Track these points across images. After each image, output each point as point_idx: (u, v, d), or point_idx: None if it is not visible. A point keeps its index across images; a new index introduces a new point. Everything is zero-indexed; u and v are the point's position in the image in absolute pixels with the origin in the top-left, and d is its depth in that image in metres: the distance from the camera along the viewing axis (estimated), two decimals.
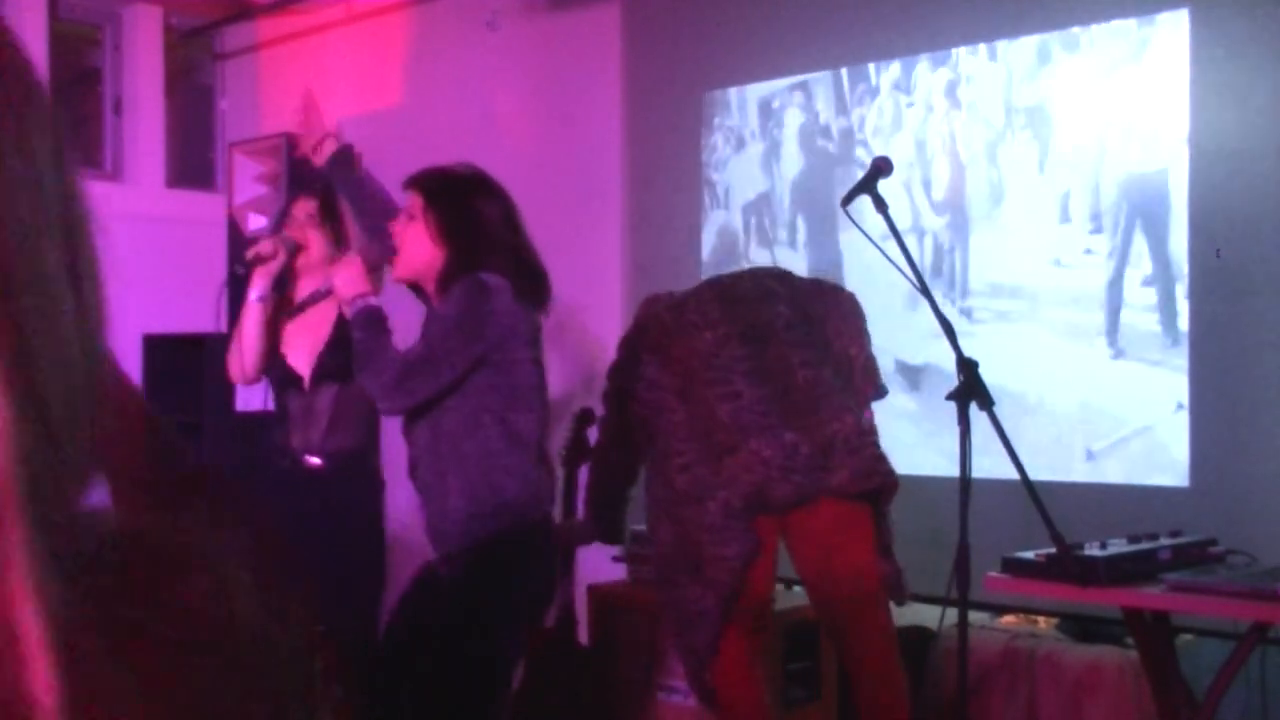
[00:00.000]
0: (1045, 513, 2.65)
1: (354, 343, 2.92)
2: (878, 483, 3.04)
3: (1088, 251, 3.71)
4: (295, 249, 3.51)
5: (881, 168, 2.98)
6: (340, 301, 3.06)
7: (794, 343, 3.11)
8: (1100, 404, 3.66)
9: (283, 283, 3.52)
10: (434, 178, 3.05)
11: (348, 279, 2.98)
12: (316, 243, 3.54)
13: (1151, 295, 3.59)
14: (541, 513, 2.97)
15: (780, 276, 3.37)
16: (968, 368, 2.75)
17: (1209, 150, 3.50)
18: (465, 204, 2.95)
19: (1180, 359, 3.52)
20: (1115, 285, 3.65)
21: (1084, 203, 3.74)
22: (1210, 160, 3.49)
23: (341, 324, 3.28)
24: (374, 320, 2.90)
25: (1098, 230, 3.70)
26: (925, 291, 2.89)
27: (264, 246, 3.48)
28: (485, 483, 2.85)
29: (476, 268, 2.87)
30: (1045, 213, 3.82)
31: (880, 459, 3.06)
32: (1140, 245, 3.62)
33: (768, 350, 3.09)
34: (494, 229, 2.94)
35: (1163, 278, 3.57)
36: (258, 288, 3.42)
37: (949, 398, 2.80)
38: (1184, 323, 3.53)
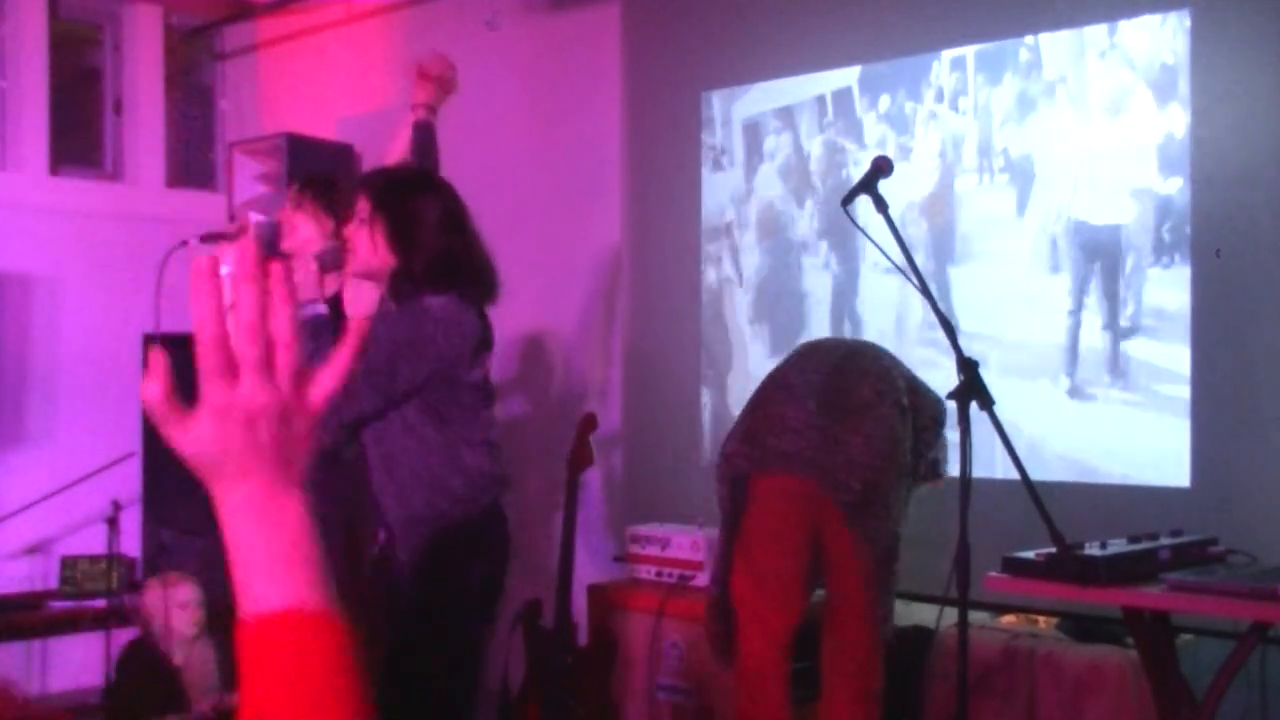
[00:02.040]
0: (1045, 513, 2.64)
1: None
2: None
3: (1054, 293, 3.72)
4: (271, 232, 3.47)
5: (881, 167, 2.98)
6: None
7: None
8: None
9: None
10: (379, 180, 3.11)
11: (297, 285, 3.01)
12: (303, 227, 3.48)
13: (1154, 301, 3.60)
14: (489, 499, 2.99)
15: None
16: (968, 368, 2.75)
17: (1209, 150, 3.50)
18: (406, 206, 2.99)
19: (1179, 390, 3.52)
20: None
21: (1048, 243, 3.74)
22: (1210, 160, 3.49)
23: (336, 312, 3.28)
24: (317, 332, 2.94)
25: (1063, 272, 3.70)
26: (925, 291, 2.89)
27: (232, 225, 3.48)
28: (434, 486, 2.90)
29: (420, 273, 2.92)
30: (1031, 248, 3.82)
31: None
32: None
33: None
34: (431, 230, 2.97)
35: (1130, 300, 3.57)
36: (224, 264, 3.41)
37: (949, 397, 2.80)
38: (1170, 316, 3.53)
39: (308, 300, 3.00)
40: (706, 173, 4.67)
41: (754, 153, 4.55)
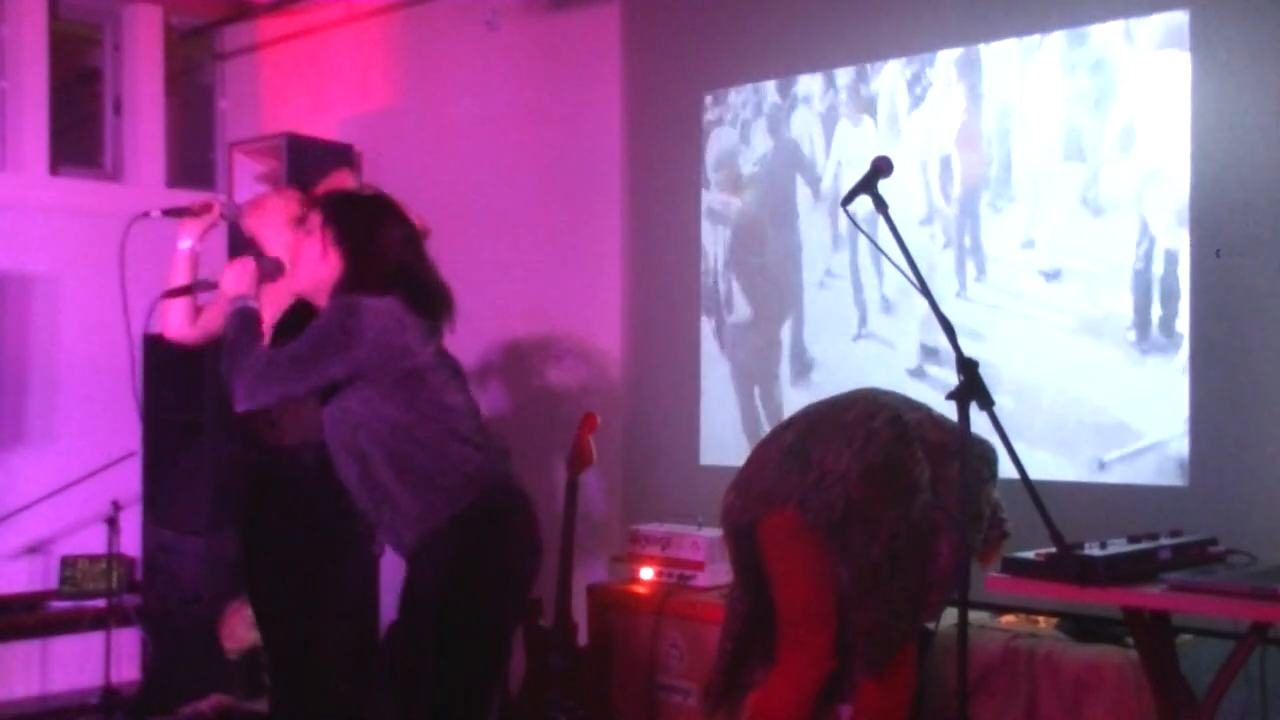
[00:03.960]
0: (1045, 513, 2.64)
1: (225, 340, 2.98)
2: None
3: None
4: (234, 212, 3.49)
5: (881, 168, 2.98)
6: (223, 298, 3.11)
7: None
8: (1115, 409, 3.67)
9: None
10: (339, 198, 3.13)
11: (234, 277, 3.05)
12: (271, 213, 3.45)
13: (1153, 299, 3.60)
14: (492, 481, 2.96)
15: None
16: (967, 368, 2.75)
17: (1209, 150, 3.50)
18: (367, 219, 2.99)
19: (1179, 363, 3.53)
20: (1142, 278, 3.66)
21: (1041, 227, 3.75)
22: (1210, 160, 3.49)
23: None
24: (248, 320, 2.98)
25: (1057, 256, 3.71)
26: (925, 291, 2.89)
27: (196, 202, 3.50)
28: (426, 487, 2.87)
29: (370, 279, 2.91)
30: (1030, 248, 3.82)
31: None
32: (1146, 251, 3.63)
33: None
34: (390, 244, 2.96)
35: (1150, 279, 3.57)
36: (185, 237, 3.44)
37: (949, 398, 2.79)
38: (1171, 316, 3.53)
39: (240, 295, 3.01)
40: (707, 173, 4.67)
41: (755, 152, 4.54)
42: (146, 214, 3.42)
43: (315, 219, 3.00)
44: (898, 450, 3.24)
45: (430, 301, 2.98)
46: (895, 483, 3.21)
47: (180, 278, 3.44)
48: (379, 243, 2.96)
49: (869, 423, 3.28)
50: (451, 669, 2.88)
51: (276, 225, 3.41)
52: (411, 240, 3.02)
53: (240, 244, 3.51)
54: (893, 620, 3.18)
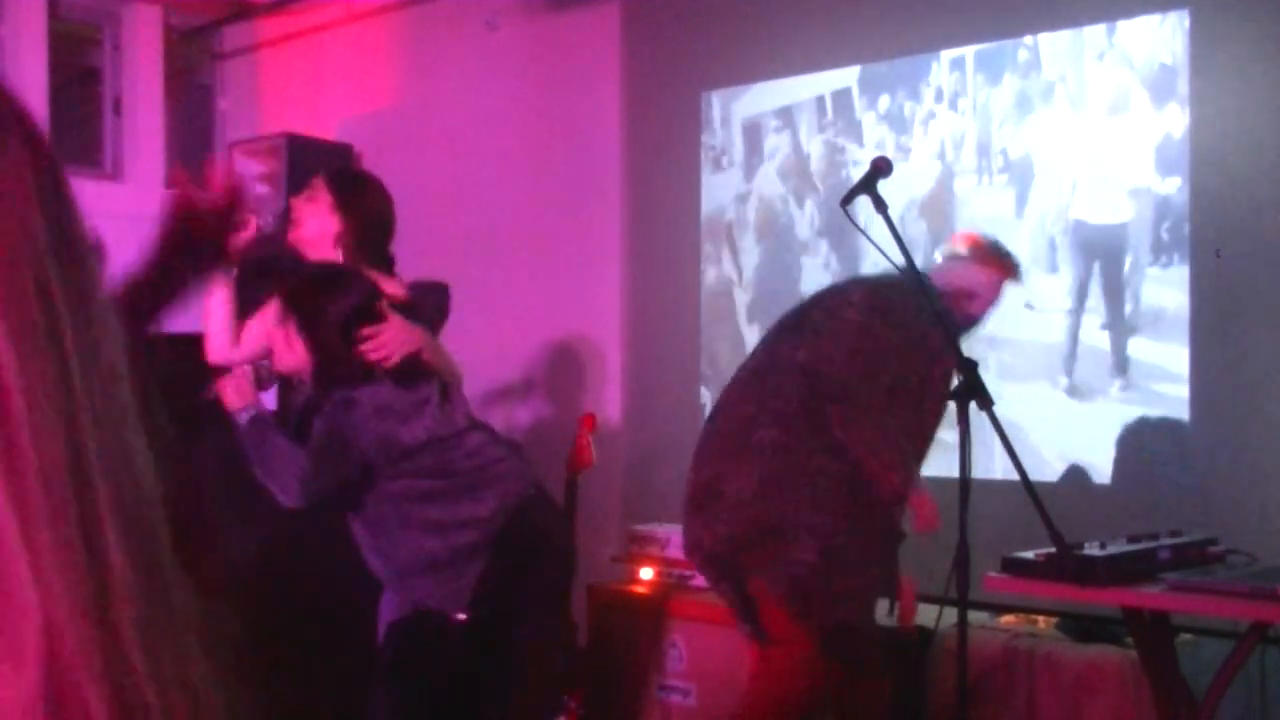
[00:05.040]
0: (1045, 513, 2.64)
1: (248, 450, 2.97)
2: None
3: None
4: (273, 229, 3.40)
5: (880, 168, 2.98)
6: (229, 412, 3.06)
7: None
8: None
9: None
10: (293, 280, 3.07)
11: (234, 391, 3.01)
12: (307, 222, 3.35)
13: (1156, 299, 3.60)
14: (516, 495, 2.98)
15: None
16: (967, 368, 2.75)
17: (1208, 150, 3.50)
18: (313, 305, 2.96)
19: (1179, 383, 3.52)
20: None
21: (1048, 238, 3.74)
22: (1210, 160, 3.49)
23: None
24: (261, 425, 2.96)
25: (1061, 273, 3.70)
26: (924, 292, 2.89)
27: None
28: (437, 533, 2.92)
29: (340, 376, 2.91)
30: (1030, 248, 3.82)
31: None
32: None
33: None
34: (333, 329, 2.92)
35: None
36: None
37: (949, 398, 2.80)
38: (1172, 316, 3.53)
39: (245, 405, 2.98)
40: (706, 173, 4.67)
41: (754, 153, 4.54)
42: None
43: (279, 306, 2.98)
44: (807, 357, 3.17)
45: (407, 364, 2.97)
46: (800, 448, 3.13)
47: (219, 302, 3.27)
48: (324, 330, 2.92)
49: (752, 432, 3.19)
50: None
51: (313, 238, 3.34)
52: (357, 311, 2.93)
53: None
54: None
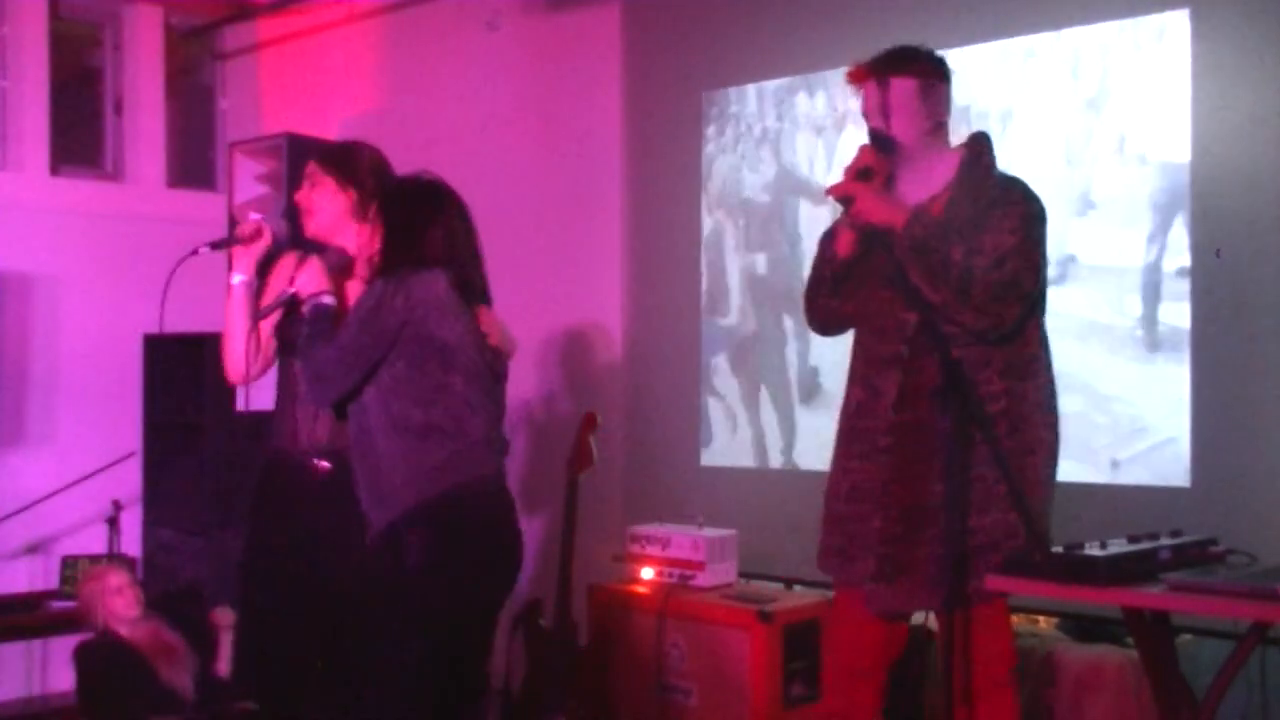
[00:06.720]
0: (1026, 511, 2.64)
1: (301, 336, 3.06)
2: None
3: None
4: (286, 232, 3.37)
5: (869, 160, 2.97)
6: (301, 299, 3.14)
7: None
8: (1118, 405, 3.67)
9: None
10: (394, 187, 3.24)
11: (309, 278, 3.13)
12: (323, 209, 3.31)
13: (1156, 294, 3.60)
14: (484, 469, 2.99)
15: None
16: (947, 369, 2.73)
17: (1209, 150, 3.50)
18: (411, 215, 3.13)
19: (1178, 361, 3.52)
20: (1151, 273, 3.66)
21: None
22: (1211, 160, 3.49)
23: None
24: (323, 317, 3.06)
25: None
26: (918, 291, 2.88)
27: (244, 227, 3.32)
28: (417, 452, 2.93)
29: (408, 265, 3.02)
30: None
31: None
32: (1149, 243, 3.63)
33: None
34: (435, 245, 3.10)
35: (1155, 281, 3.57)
36: (239, 271, 3.28)
37: (932, 395, 2.78)
38: (1173, 316, 3.53)
39: (317, 292, 3.08)
40: (707, 172, 4.67)
41: (754, 152, 4.54)
42: (195, 251, 3.31)
43: (373, 210, 3.13)
44: None
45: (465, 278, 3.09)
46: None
47: (239, 316, 3.27)
48: (423, 243, 3.06)
49: None
50: (404, 655, 2.91)
51: (335, 218, 3.32)
52: (453, 236, 3.15)
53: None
54: None
